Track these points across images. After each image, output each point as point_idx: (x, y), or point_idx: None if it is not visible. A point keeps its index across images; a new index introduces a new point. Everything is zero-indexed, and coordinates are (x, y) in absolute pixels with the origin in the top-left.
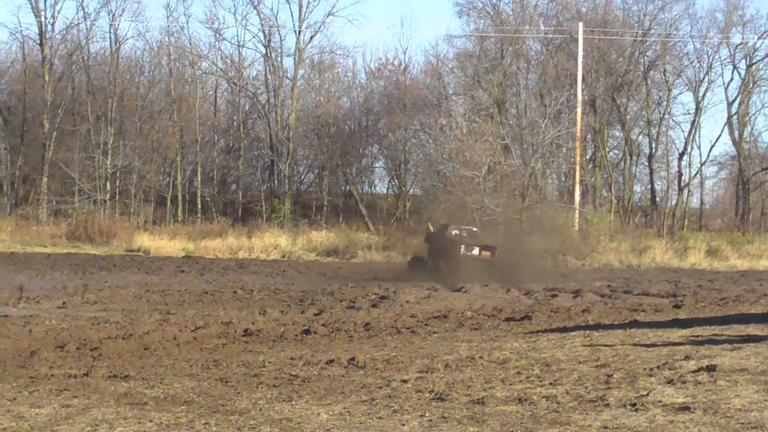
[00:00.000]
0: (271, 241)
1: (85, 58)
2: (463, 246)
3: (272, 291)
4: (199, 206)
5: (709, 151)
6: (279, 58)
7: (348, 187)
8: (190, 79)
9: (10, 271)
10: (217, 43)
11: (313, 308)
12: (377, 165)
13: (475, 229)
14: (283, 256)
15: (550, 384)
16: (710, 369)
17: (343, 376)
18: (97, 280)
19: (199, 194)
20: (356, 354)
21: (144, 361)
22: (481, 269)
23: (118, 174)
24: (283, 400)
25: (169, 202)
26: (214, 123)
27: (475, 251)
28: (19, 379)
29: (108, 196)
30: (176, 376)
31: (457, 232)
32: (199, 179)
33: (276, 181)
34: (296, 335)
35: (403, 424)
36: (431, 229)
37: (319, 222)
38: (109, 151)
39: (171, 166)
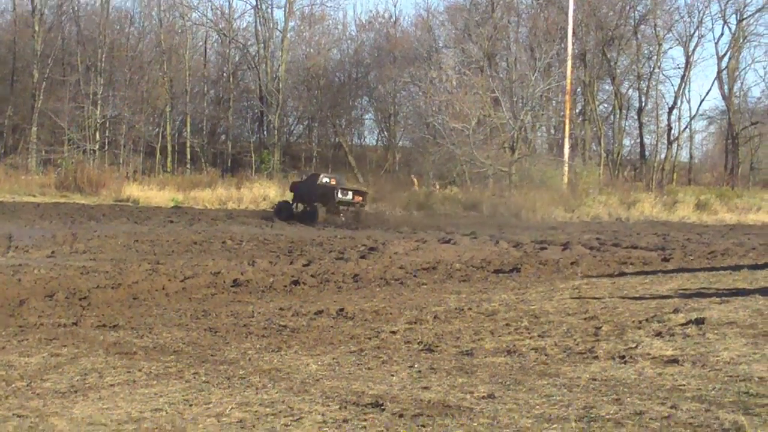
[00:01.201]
0: (260, 192)
1: (75, 8)
2: (339, 191)
3: (261, 242)
4: (189, 157)
5: (699, 106)
6: (269, 10)
7: (337, 139)
8: (180, 30)
9: None
10: None
11: (302, 259)
12: (367, 117)
13: (340, 176)
14: (272, 207)
15: (539, 336)
16: (699, 322)
17: (332, 326)
18: (86, 229)
19: (188, 145)
20: (345, 305)
21: (133, 311)
22: (355, 213)
23: (107, 124)
24: (273, 351)
25: (158, 153)
26: (204, 74)
27: (349, 195)
28: (8, 328)
29: (97, 146)
30: (165, 325)
31: (327, 179)
32: (188, 130)
33: (265, 132)
34: (285, 286)
35: (392, 375)
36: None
37: (309, 173)
38: (99, 101)
39: (160, 117)
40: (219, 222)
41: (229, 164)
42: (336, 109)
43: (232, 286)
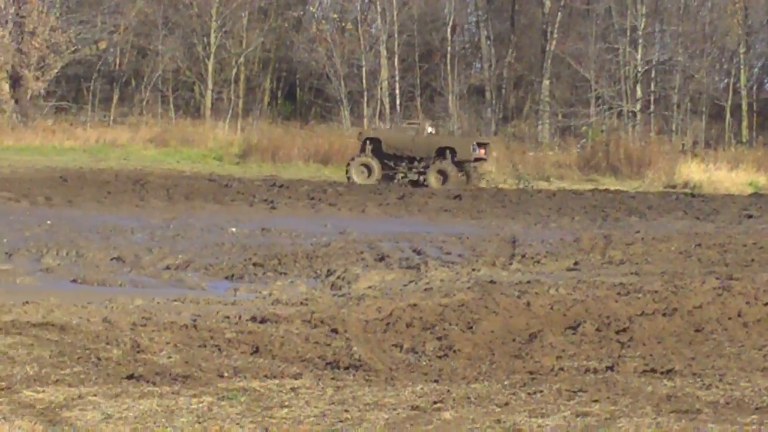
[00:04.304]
0: None
1: None
2: (475, 145)
3: None
4: None
5: None
6: None
7: None
8: None
9: (498, 217)
10: None
11: None
12: None
13: (432, 122)
14: (347, 166)
15: None
16: None
17: None
18: (624, 229)
19: None
20: None
21: (695, 349)
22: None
23: (653, 74)
24: None
25: (728, 115)
26: None
27: (476, 150)
28: (514, 374)
29: (638, 107)
30: (743, 370)
31: (431, 129)
32: None
33: None
34: None
35: None
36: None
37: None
38: (640, 41)
39: (731, 62)
40: None
41: None
42: None
43: None
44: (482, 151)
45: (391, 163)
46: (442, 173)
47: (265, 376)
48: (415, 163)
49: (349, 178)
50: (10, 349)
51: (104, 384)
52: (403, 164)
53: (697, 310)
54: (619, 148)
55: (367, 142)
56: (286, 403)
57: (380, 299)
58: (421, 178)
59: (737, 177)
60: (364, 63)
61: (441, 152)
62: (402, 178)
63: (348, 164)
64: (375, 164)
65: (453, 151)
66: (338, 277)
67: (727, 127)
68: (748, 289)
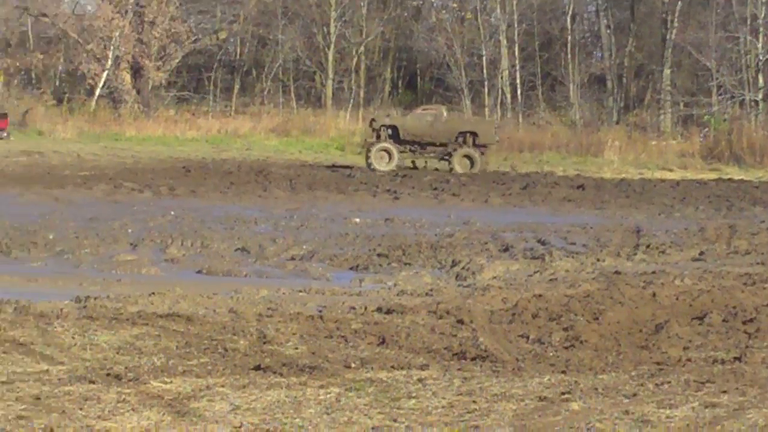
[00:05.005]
0: None
1: None
2: (497, 128)
3: None
4: None
5: None
6: None
7: None
8: None
9: (621, 206)
10: None
11: None
12: None
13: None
14: (365, 152)
15: None
16: None
17: None
18: (749, 219)
19: None
20: None
21: None
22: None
23: None
24: None
25: None
26: None
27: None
28: (641, 365)
29: (761, 96)
30: None
31: (446, 114)
32: None
33: None
34: None
35: None
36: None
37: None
38: (761, 30)
39: None
40: None
41: None
42: None
43: None
44: None
45: (408, 150)
46: (468, 158)
47: (392, 367)
48: (432, 148)
49: (369, 164)
50: (137, 340)
51: (231, 375)
52: (419, 149)
53: None
54: (742, 137)
55: (382, 129)
56: (414, 394)
57: (505, 290)
58: (444, 163)
59: None
60: (484, 52)
61: (460, 137)
62: (425, 164)
63: (367, 150)
64: (394, 150)
65: (474, 135)
66: (463, 268)
67: None
68: None
